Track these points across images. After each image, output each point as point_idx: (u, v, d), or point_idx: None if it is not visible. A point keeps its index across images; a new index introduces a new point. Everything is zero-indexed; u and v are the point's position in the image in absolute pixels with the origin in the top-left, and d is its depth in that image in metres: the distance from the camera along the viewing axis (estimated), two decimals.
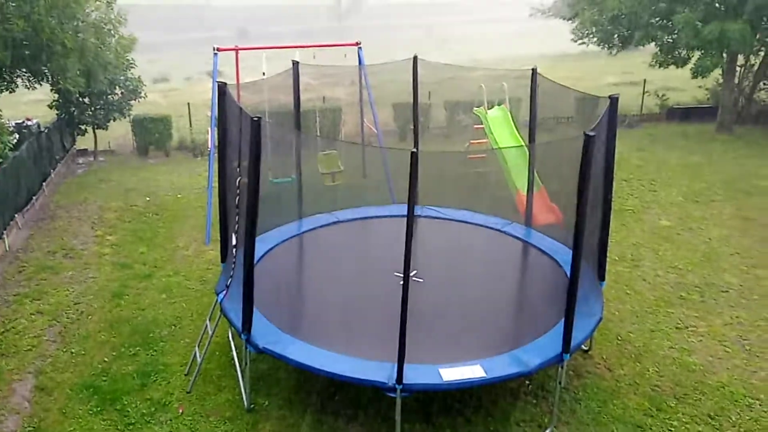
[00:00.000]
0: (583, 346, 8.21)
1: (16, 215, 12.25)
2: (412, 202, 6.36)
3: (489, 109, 12.60)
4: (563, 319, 7.05)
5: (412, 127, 12.27)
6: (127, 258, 11.38)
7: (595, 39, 20.15)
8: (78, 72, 14.39)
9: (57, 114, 16.98)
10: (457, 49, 41.52)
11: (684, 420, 7.54)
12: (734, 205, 13.51)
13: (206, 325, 8.44)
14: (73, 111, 17.04)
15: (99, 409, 7.68)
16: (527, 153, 10.71)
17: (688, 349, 8.79)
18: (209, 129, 12.91)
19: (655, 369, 8.38)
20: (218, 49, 11.96)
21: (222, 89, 7.91)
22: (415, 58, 11.36)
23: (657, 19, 18.45)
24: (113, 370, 8.40)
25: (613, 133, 7.79)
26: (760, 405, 7.77)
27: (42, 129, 15.36)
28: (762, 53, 18.85)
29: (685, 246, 11.73)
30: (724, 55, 17.82)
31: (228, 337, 8.57)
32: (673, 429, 7.41)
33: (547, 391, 7.86)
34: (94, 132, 17.78)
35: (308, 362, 7.01)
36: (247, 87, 11.92)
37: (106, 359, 8.61)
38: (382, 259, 8.96)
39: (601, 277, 8.58)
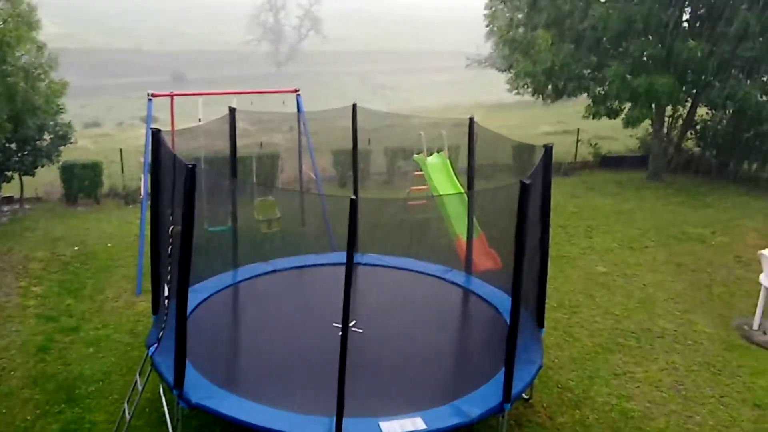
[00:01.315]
0: (523, 395, 8.15)
1: None
2: (351, 250, 6.27)
3: (428, 155, 12.68)
4: (503, 368, 7.00)
5: (351, 173, 12.22)
6: (52, 310, 10.88)
7: (529, 89, 20.65)
8: (5, 117, 13.92)
9: None
10: (393, 97, 42.11)
11: None
12: (667, 251, 13.83)
13: (136, 380, 8.07)
14: None
15: None
16: (466, 200, 10.77)
17: (627, 395, 8.83)
18: (142, 176, 12.59)
19: (595, 416, 8.38)
20: (153, 95, 11.75)
21: (156, 136, 7.73)
22: (354, 106, 11.39)
23: (589, 71, 19.05)
24: (36, 429, 7.94)
25: (548, 180, 7.89)
26: None
27: None
28: (688, 104, 19.61)
29: (620, 292, 11.90)
30: (653, 106, 18.46)
31: (159, 392, 8.20)
32: None
33: None
34: (20, 179, 17.14)
35: (244, 418, 6.75)
36: (183, 133, 11.72)
37: (29, 417, 8.13)
38: (320, 309, 8.79)
39: (540, 324, 8.59)
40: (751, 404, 8.67)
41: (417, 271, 10.32)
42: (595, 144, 21.94)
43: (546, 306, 8.63)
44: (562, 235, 14.15)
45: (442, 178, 12.39)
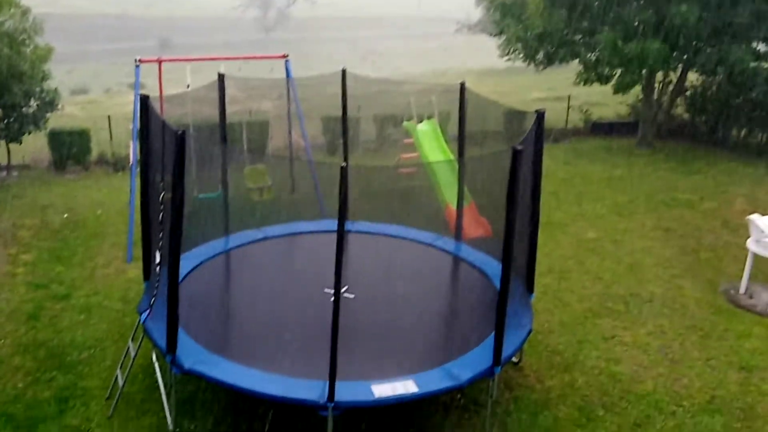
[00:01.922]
0: (513, 359, 8.24)
1: None
2: (342, 218, 6.26)
3: (418, 122, 12.63)
4: (493, 333, 7.06)
5: (341, 141, 12.17)
6: (42, 278, 10.86)
7: (521, 55, 20.54)
8: None
9: None
10: (383, 64, 41.79)
11: (611, 429, 7.66)
12: (655, 217, 13.91)
13: (128, 347, 8.10)
14: None
15: None
16: (456, 167, 10.76)
17: (615, 359, 8.94)
18: (131, 142, 12.49)
19: (584, 379, 8.49)
20: (140, 61, 11.61)
21: (145, 102, 7.65)
22: (343, 72, 11.29)
23: (580, 37, 18.94)
24: (28, 396, 7.96)
25: (540, 147, 7.89)
26: (683, 411, 7.95)
27: None
28: (679, 70, 19.57)
29: (610, 257, 11.99)
30: (644, 72, 18.42)
31: (152, 358, 8.25)
32: None
33: (478, 404, 7.85)
34: (7, 146, 16.98)
35: (236, 382, 6.79)
36: (171, 100, 11.61)
37: (20, 384, 8.15)
38: (311, 275, 8.81)
39: (530, 290, 8.65)
40: (737, 367, 8.80)
41: (407, 239, 10.33)
42: (586, 110, 21.92)
43: (536, 271, 8.68)
44: (552, 202, 14.19)
45: (432, 145, 12.39)
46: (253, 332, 7.94)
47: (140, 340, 7.87)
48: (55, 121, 17.39)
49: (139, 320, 7.79)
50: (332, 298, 6.38)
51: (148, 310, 7.64)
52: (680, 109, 21.05)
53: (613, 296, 10.59)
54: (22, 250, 11.88)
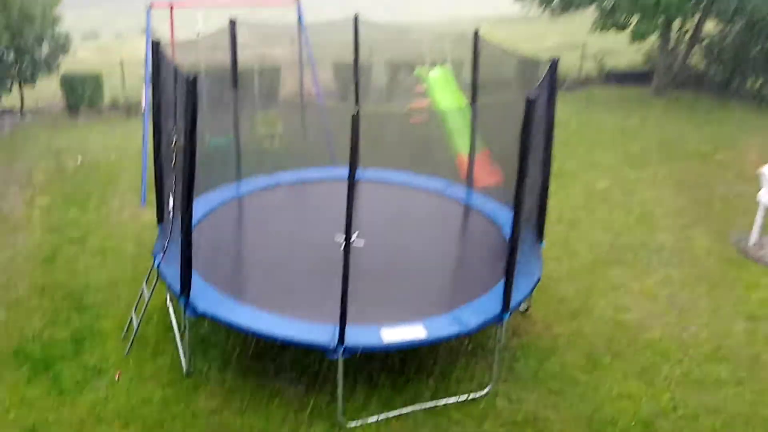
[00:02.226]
0: (521, 306, 8.34)
1: None
2: (353, 166, 6.28)
3: (431, 69, 12.50)
4: (503, 280, 7.13)
5: (353, 87, 12.09)
6: (58, 221, 11.00)
7: (536, 0, 20.17)
8: (2, 26, 13.68)
9: None
10: (395, 9, 41.10)
11: (618, 376, 7.77)
12: (668, 167, 13.84)
13: (143, 289, 8.24)
14: None
15: (31, 376, 7.46)
16: (469, 115, 10.69)
17: (623, 307, 9.02)
18: (143, 88, 12.47)
19: (591, 327, 8.59)
20: (152, 5, 11.51)
21: (156, 47, 7.63)
22: (356, 18, 11.16)
23: None
24: (46, 336, 8.16)
25: (554, 95, 7.83)
26: (689, 359, 8.05)
27: None
28: (696, 18, 19.21)
29: (620, 207, 11.98)
30: (661, 20, 18.09)
31: (166, 301, 8.41)
32: (607, 385, 7.62)
33: (486, 350, 7.98)
34: (20, 89, 17.00)
35: (248, 325, 6.93)
36: (182, 46, 11.54)
37: (38, 325, 8.34)
38: (323, 221, 8.88)
39: (540, 238, 8.69)
40: (744, 316, 8.87)
41: (418, 186, 10.36)
42: (600, 59, 21.62)
43: (546, 220, 8.71)
44: (564, 151, 14.08)
45: (444, 92, 12.27)
46: (265, 276, 8.05)
47: (154, 283, 8.00)
48: (67, 66, 17.37)
49: (153, 263, 7.90)
50: (342, 246, 6.44)
51: (162, 254, 7.74)
52: (696, 59, 20.71)
53: (623, 246, 10.63)
54: (38, 194, 12.00)
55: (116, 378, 7.44)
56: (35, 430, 6.76)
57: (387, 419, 7.00)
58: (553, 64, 7.70)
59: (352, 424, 6.92)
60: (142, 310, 7.97)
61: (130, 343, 7.85)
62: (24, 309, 8.65)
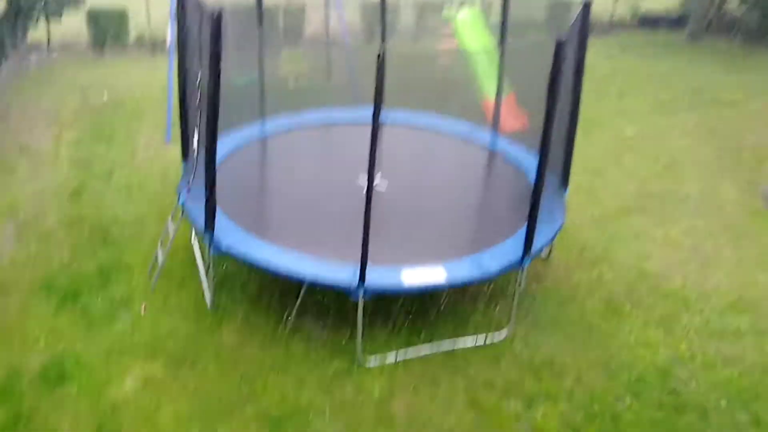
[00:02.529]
0: (543, 253, 8.33)
1: None
2: (378, 107, 6.24)
3: (459, 10, 12.27)
4: (525, 225, 7.12)
5: (379, 27, 11.90)
6: (85, 156, 11.10)
7: None
8: None
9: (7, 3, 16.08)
10: None
11: (637, 323, 7.80)
12: (698, 116, 13.57)
13: (168, 225, 8.34)
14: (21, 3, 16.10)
15: (59, 307, 7.66)
16: (496, 58, 10.52)
17: (645, 256, 8.99)
18: (168, 25, 12.38)
19: (612, 275, 8.59)
20: None
21: None
22: None
23: None
24: (73, 268, 8.33)
25: (585, 39, 7.66)
26: (710, 309, 8.05)
27: None
28: None
29: (648, 155, 11.82)
30: None
31: (190, 237, 8.52)
32: (626, 332, 7.66)
33: (506, 295, 8.02)
34: (47, 23, 16.94)
35: (272, 264, 7.02)
36: None
37: (66, 258, 8.52)
38: (346, 161, 8.89)
39: (564, 185, 8.63)
40: None
41: (443, 129, 10.28)
42: (634, 2, 21.02)
43: (571, 167, 8.63)
44: (592, 97, 13.77)
45: (472, 34, 12.07)
46: (288, 216, 8.11)
47: (179, 219, 8.09)
48: (93, 1, 17.24)
49: (178, 200, 7.98)
50: (365, 187, 6.44)
51: (186, 191, 7.81)
52: (732, 4, 20.07)
53: (648, 194, 10.52)
54: (65, 129, 12.08)
55: (142, 311, 7.61)
56: (64, 358, 6.96)
57: (405, 359, 7.12)
58: (586, 7, 7.52)
59: (371, 362, 7.05)
60: (168, 246, 8.08)
61: (155, 278, 7.99)
62: (52, 242, 8.81)
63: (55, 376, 6.76)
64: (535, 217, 7.02)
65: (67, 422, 6.30)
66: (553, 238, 7.92)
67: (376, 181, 7.28)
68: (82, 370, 6.85)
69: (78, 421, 6.31)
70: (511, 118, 10.61)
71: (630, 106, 14.04)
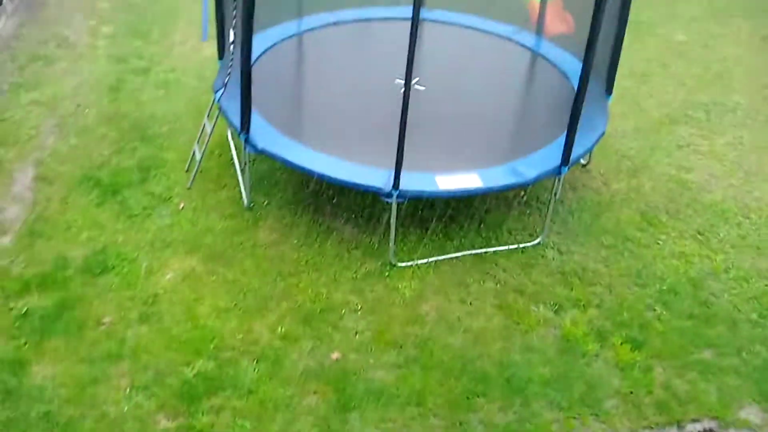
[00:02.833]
0: (581, 160, 8.22)
1: (3, 0, 11.73)
2: (417, 5, 6.04)
3: None
4: (565, 132, 6.98)
5: None
6: (122, 51, 11.04)
7: None
8: None
9: None
10: None
11: (673, 235, 7.73)
12: (754, 24, 12.93)
13: (205, 123, 8.37)
14: None
15: (100, 200, 7.83)
16: None
17: (687, 167, 8.81)
18: None
19: (652, 185, 8.46)
20: None
21: None
22: None
23: None
24: (113, 163, 8.45)
25: None
26: (749, 223, 7.94)
27: None
28: None
29: (697, 63, 11.38)
30: None
31: (227, 136, 8.55)
32: (661, 242, 7.62)
33: (541, 202, 7.99)
34: None
35: (307, 165, 7.04)
36: None
37: (105, 153, 8.63)
38: (383, 64, 8.71)
39: (609, 91, 8.40)
40: None
41: (485, 30, 9.95)
42: None
43: (616, 73, 8.36)
44: (643, 0, 13.31)
45: None
46: (324, 118, 8.06)
47: (215, 117, 8.10)
48: None
49: (214, 98, 7.96)
50: (402, 89, 6.34)
51: (222, 89, 7.77)
52: None
53: (695, 104, 10.20)
54: (102, 22, 11.98)
55: (180, 207, 7.75)
56: (107, 249, 7.18)
57: (437, 262, 7.19)
58: None
59: (403, 264, 7.14)
60: (204, 144, 8.13)
61: (193, 175, 8.09)
62: (92, 136, 8.91)
63: (98, 266, 6.99)
64: (576, 124, 6.88)
65: (111, 309, 6.56)
66: (593, 147, 7.78)
67: (414, 82, 7.14)
68: (123, 261, 7.07)
69: (121, 308, 6.57)
70: (557, 21, 10.24)
71: (683, 11, 13.41)
